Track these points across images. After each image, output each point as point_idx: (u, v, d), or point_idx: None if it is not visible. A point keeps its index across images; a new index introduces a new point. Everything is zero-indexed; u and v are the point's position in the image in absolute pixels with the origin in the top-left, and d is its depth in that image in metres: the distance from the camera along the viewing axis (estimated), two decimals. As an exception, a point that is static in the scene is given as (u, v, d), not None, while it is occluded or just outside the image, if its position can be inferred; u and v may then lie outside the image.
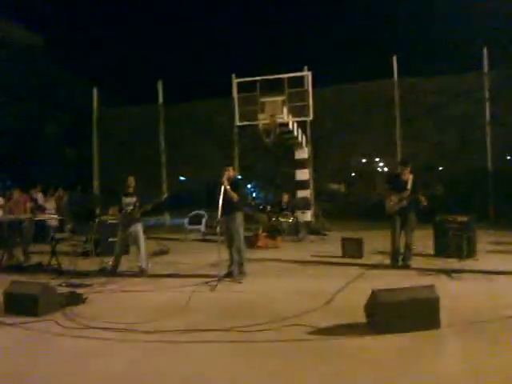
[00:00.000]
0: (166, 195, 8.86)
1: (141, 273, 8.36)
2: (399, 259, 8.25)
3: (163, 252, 11.04)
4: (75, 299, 6.36)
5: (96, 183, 19.33)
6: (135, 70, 30.10)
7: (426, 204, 7.85)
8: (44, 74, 23.40)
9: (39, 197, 14.67)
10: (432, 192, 8.17)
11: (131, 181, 8.69)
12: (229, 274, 7.66)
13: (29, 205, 11.07)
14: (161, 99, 19.28)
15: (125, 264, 8.81)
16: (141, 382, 3.80)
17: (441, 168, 18.38)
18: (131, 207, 8.49)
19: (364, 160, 21.26)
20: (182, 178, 21.23)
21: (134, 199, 8.55)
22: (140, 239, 8.49)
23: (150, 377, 3.86)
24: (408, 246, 8.21)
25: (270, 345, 4.50)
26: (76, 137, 22.88)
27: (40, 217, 11.17)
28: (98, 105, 19.78)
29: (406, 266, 8.07)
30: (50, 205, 14.83)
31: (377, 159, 21.73)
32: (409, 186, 8.08)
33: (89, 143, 19.88)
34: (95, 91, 19.77)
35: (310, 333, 4.75)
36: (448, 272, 7.40)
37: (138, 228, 8.52)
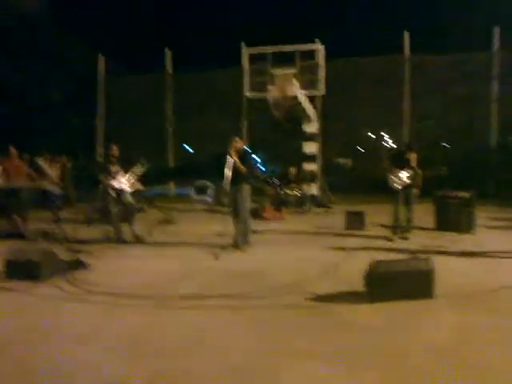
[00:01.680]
0: (142, 163, 8.86)
1: (139, 241, 8.51)
2: (399, 232, 8.54)
3: (168, 221, 11.11)
4: (78, 265, 6.43)
5: (100, 151, 19.41)
6: (143, 38, 29.79)
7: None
8: (49, 40, 23.21)
9: (44, 164, 14.56)
10: (436, 173, 8.61)
11: (115, 149, 8.76)
12: (234, 244, 7.79)
13: (25, 169, 10.69)
14: (168, 68, 19.19)
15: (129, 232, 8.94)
16: (140, 345, 3.91)
17: (446, 145, 18.39)
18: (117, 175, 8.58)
19: (372, 135, 21.21)
20: (186, 147, 21.26)
21: (119, 168, 8.65)
22: (134, 209, 8.73)
23: (149, 340, 3.99)
24: (409, 220, 8.58)
25: (268, 310, 4.66)
26: (80, 104, 22.81)
27: (43, 185, 11.20)
28: (104, 73, 19.73)
29: (405, 239, 8.38)
30: (54, 172, 14.80)
31: (385, 135, 21.67)
32: (413, 164, 8.46)
33: (93, 111, 19.89)
34: (101, 59, 19.71)
35: (308, 299, 4.92)
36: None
37: (129, 198, 8.69)
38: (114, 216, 8.66)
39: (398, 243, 8.10)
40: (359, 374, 3.30)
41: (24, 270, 5.72)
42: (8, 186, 9.59)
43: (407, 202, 8.56)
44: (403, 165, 8.50)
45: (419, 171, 8.48)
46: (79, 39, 23.57)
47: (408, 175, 8.45)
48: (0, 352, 3.80)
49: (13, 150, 10.01)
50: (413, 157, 8.54)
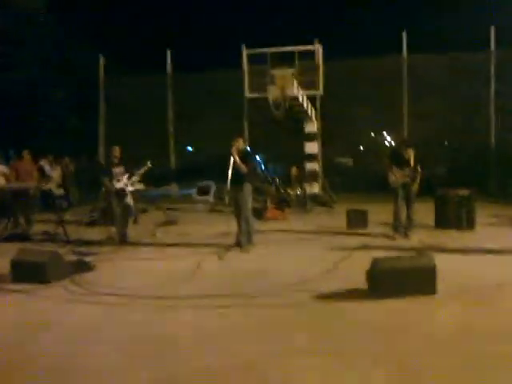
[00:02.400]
0: (149, 163, 8.95)
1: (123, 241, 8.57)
2: (400, 230, 8.58)
3: (171, 222, 11.13)
4: (83, 267, 6.49)
5: (102, 151, 19.44)
6: (143, 39, 29.77)
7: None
8: (48, 39, 23.17)
9: (47, 166, 14.62)
10: (435, 172, 8.53)
11: (117, 150, 8.81)
12: (237, 244, 7.83)
13: (35, 173, 10.93)
14: (169, 69, 19.25)
15: (132, 233, 9.04)
16: (147, 344, 3.97)
17: (446, 143, 18.48)
18: (119, 178, 8.65)
19: (373, 134, 21.30)
20: (189, 149, 21.32)
21: (122, 169, 8.72)
22: (132, 211, 8.88)
23: (156, 340, 4.05)
24: (410, 218, 8.59)
25: (273, 309, 4.74)
26: (81, 105, 22.84)
27: (46, 186, 11.30)
28: (105, 73, 19.77)
29: (407, 236, 8.43)
30: (56, 174, 14.81)
31: (385, 134, 21.79)
32: (411, 163, 8.43)
33: (94, 111, 19.93)
34: (101, 58, 19.76)
35: (313, 297, 4.99)
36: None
37: (129, 200, 8.80)
38: (117, 216, 8.71)
39: (400, 241, 8.18)
40: (363, 371, 3.36)
41: (30, 272, 5.76)
42: (17, 188, 9.73)
43: (407, 200, 8.57)
44: (402, 162, 8.52)
45: (418, 168, 8.48)
46: (80, 40, 23.59)
47: (406, 173, 8.47)
48: (9, 351, 3.87)
49: (27, 155, 10.30)
50: (409, 152, 8.51)
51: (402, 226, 8.60)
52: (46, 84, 22.83)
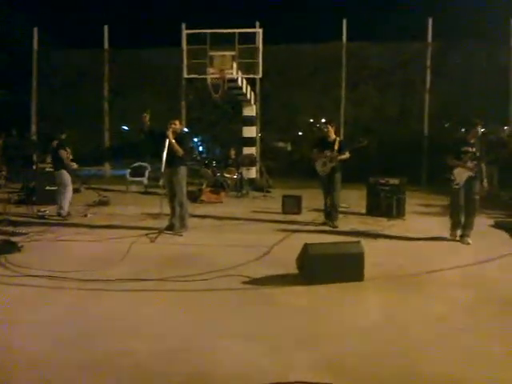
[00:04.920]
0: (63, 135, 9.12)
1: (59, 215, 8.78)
2: (328, 219, 8.54)
3: (103, 203, 10.89)
4: (10, 247, 6.23)
5: (34, 128, 18.64)
6: (80, 14, 28.60)
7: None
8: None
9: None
10: (356, 145, 8.51)
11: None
12: (170, 227, 7.74)
13: None
14: (106, 45, 18.61)
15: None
16: (73, 328, 3.86)
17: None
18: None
19: (310, 120, 21.57)
20: (124, 128, 20.78)
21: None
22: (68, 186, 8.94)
23: (83, 323, 3.95)
24: (334, 207, 8.47)
25: (203, 293, 4.72)
26: (11, 79, 21.65)
27: None
28: (38, 46, 18.85)
29: (335, 227, 8.31)
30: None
31: (322, 120, 22.11)
32: (336, 147, 8.32)
33: (25, 86, 18.99)
34: (36, 31, 18.80)
35: (244, 282, 5.01)
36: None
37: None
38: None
39: (330, 228, 8.27)
40: (287, 353, 3.41)
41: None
42: None
43: (330, 187, 8.42)
44: (326, 146, 8.39)
45: (347, 153, 8.29)
46: (10, 9, 22.27)
47: (332, 156, 8.25)
48: None
49: None
50: (337, 139, 8.40)
51: (329, 217, 8.49)
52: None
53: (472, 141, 7.07)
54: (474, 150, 6.98)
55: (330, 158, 8.28)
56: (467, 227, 7.14)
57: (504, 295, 4.71)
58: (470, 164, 6.93)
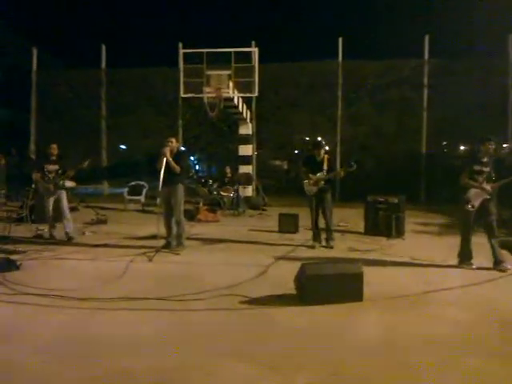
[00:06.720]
0: (87, 161, 8.89)
1: (68, 240, 8.53)
2: (322, 240, 8.36)
3: (101, 221, 10.90)
4: (9, 265, 6.23)
5: (33, 147, 18.66)
6: (79, 34, 28.92)
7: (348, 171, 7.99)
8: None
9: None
10: (346, 170, 8.05)
11: (54, 148, 8.78)
12: (167, 246, 7.74)
13: None
14: (103, 64, 18.74)
15: (61, 232, 8.75)
16: (71, 346, 3.84)
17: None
18: (53, 175, 8.62)
19: (307, 138, 21.67)
20: (122, 147, 20.84)
21: (56, 167, 8.67)
22: (64, 207, 8.66)
23: (81, 342, 3.92)
24: (329, 228, 8.30)
25: (201, 313, 4.68)
26: (10, 98, 21.73)
27: None
28: (38, 66, 18.97)
29: (330, 247, 8.17)
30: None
31: (319, 138, 22.21)
32: (325, 167, 8.13)
33: (24, 106, 19.06)
34: (35, 50, 18.93)
35: (242, 302, 4.98)
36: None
37: (62, 195, 8.69)
38: (49, 215, 8.67)
39: (327, 249, 8.13)
40: (285, 374, 3.38)
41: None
42: None
43: (323, 209, 8.23)
44: (315, 167, 8.16)
45: (341, 172, 8.12)
46: (10, 29, 22.44)
47: (322, 177, 8.06)
48: None
49: None
50: (322, 155, 8.13)
51: (322, 236, 8.34)
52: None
53: (484, 159, 6.56)
54: (488, 169, 6.52)
55: (314, 182, 8.10)
56: (496, 251, 6.59)
57: (505, 315, 4.69)
58: (486, 186, 6.46)
